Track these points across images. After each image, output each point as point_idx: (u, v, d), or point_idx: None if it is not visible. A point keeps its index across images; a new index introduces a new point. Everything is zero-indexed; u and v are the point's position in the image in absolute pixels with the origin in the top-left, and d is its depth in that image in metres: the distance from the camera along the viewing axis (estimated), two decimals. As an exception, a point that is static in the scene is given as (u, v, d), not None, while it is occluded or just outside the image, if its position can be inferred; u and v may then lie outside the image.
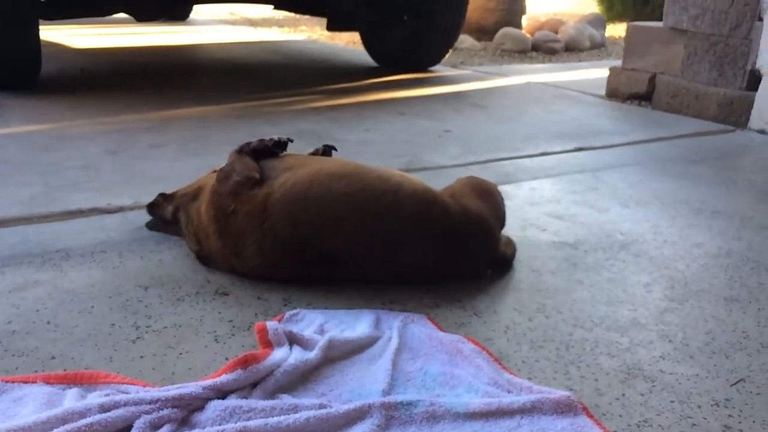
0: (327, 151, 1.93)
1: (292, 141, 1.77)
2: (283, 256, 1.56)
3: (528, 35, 6.71)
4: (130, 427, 1.07)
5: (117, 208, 2.08)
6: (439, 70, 4.98)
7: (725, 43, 3.53)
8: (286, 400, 1.16)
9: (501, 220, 1.80)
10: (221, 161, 1.72)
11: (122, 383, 1.19)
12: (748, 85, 3.46)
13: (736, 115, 3.49)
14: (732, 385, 1.29)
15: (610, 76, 4.24)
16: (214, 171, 1.72)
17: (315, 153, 1.91)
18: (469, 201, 1.67)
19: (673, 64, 3.84)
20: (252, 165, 1.64)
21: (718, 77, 3.59)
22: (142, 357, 1.32)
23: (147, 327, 1.42)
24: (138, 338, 1.38)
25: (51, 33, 5.92)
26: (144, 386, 1.19)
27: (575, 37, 6.74)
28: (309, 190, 1.55)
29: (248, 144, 1.71)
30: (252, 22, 8.51)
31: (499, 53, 6.39)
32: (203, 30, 7.27)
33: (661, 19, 3.95)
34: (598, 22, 7.44)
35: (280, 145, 1.73)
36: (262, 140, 1.72)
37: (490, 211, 1.71)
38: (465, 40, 6.49)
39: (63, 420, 1.06)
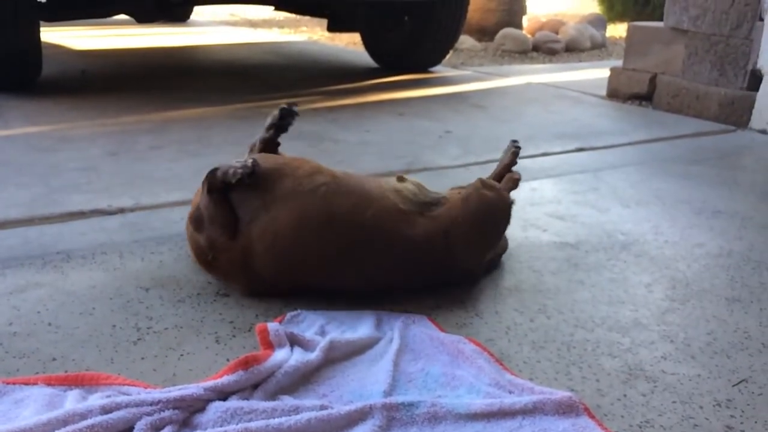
0: (284, 119, 1.66)
1: (255, 168, 1.48)
2: (274, 289, 1.54)
3: (528, 36, 6.71)
4: (132, 428, 1.07)
5: (118, 209, 2.08)
6: (440, 70, 4.98)
7: (726, 43, 3.53)
8: (288, 401, 1.15)
9: (497, 253, 1.75)
10: (221, 162, 1.71)
11: (123, 384, 1.19)
12: (749, 85, 3.46)
13: (737, 115, 3.49)
14: (734, 386, 1.29)
15: (610, 76, 4.24)
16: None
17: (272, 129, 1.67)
18: (462, 244, 1.55)
19: (673, 64, 3.84)
20: (222, 212, 1.47)
21: (719, 77, 3.59)
22: (143, 358, 1.31)
23: (148, 328, 1.42)
24: (139, 339, 1.38)
25: (52, 34, 5.93)
26: (145, 387, 1.19)
27: (576, 37, 6.74)
28: (295, 246, 1.46)
29: (214, 175, 1.47)
30: (252, 23, 8.51)
31: (499, 54, 6.39)
32: (204, 31, 7.27)
33: (661, 19, 3.95)
34: (599, 23, 7.44)
35: (252, 175, 1.46)
36: (230, 168, 1.46)
37: (485, 250, 1.64)
38: (465, 40, 6.49)
39: (64, 422, 1.06)
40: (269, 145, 1.68)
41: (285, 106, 1.65)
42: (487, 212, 1.60)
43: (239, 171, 1.45)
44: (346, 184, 1.52)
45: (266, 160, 1.54)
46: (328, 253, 1.47)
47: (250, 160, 1.46)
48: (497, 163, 1.89)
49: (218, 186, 1.47)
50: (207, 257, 1.52)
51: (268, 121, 1.67)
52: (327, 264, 1.49)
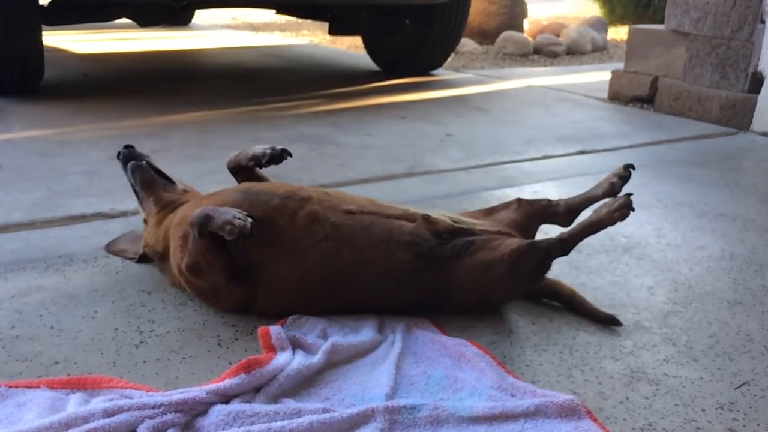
0: (271, 160, 1.59)
1: (254, 231, 1.36)
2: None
3: (530, 39, 6.71)
4: (134, 431, 1.07)
5: (120, 212, 2.09)
6: (441, 73, 4.98)
7: (727, 46, 3.53)
8: (290, 404, 1.15)
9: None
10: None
11: (126, 388, 1.19)
12: (751, 87, 3.46)
13: (739, 117, 3.49)
14: (736, 388, 1.28)
15: (612, 79, 4.24)
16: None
17: (261, 158, 1.59)
18: (489, 294, 1.48)
19: (675, 67, 3.84)
20: (219, 259, 1.40)
21: (720, 80, 3.59)
22: (145, 361, 1.32)
23: (150, 331, 1.42)
24: (141, 343, 1.38)
25: (54, 38, 5.94)
26: (147, 391, 1.19)
27: (577, 40, 6.75)
28: (298, 296, 1.44)
29: (206, 223, 1.36)
30: (254, 27, 8.53)
31: (500, 57, 6.40)
32: (205, 35, 7.28)
33: (662, 22, 3.95)
34: (600, 25, 7.45)
35: (243, 233, 1.34)
36: (226, 224, 1.34)
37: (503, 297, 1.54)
38: (466, 43, 6.50)
39: (66, 425, 1.06)
40: (245, 172, 1.64)
41: (278, 150, 1.58)
42: (522, 265, 1.44)
43: (236, 230, 1.33)
44: (350, 234, 1.43)
45: (257, 206, 1.43)
46: (330, 298, 1.46)
47: (249, 222, 1.34)
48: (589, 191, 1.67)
49: (209, 235, 1.37)
50: (209, 300, 1.50)
51: (256, 152, 1.59)
52: (328, 302, 1.47)
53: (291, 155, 1.60)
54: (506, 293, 1.51)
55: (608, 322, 1.49)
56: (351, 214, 1.46)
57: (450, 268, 1.44)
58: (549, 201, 1.62)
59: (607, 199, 1.53)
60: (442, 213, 1.54)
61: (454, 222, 1.50)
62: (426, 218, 1.48)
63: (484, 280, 1.44)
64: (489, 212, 1.65)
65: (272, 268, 1.42)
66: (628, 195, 1.46)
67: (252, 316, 1.47)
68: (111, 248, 1.79)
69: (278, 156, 1.59)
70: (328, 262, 1.41)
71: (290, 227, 1.42)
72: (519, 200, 1.63)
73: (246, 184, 1.57)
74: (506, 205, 1.64)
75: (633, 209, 1.45)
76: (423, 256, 1.43)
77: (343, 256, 1.42)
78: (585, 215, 1.51)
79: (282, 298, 1.45)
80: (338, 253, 1.41)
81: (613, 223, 1.45)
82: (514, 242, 1.45)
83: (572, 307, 1.55)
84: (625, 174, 1.60)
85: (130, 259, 1.73)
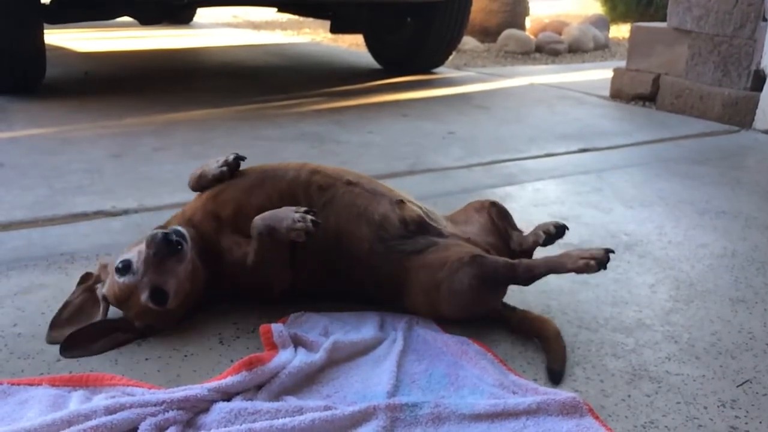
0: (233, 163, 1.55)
1: (316, 220, 1.40)
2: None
3: (531, 37, 6.70)
4: (136, 429, 1.07)
5: (121, 211, 2.09)
6: (443, 72, 4.98)
7: (729, 44, 3.52)
8: (291, 402, 1.16)
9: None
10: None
11: (127, 385, 1.19)
12: (753, 85, 3.45)
13: (741, 115, 3.48)
14: (738, 386, 1.28)
15: (613, 77, 4.24)
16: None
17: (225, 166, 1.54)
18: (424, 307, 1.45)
19: (677, 65, 3.83)
20: (281, 256, 1.45)
21: (722, 77, 3.58)
22: (147, 359, 1.32)
23: (152, 329, 1.42)
24: (143, 340, 1.38)
25: (55, 37, 5.94)
26: (149, 388, 1.19)
27: (579, 38, 6.74)
28: (312, 277, 1.51)
29: (272, 231, 1.39)
30: (255, 25, 8.53)
31: (502, 55, 6.39)
32: (206, 33, 7.28)
33: (664, 20, 3.94)
34: (602, 23, 7.44)
35: (309, 232, 1.38)
36: (293, 225, 1.37)
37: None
38: (468, 41, 6.49)
39: (68, 422, 1.06)
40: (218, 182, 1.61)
41: (233, 160, 1.54)
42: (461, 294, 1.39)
43: (302, 233, 1.37)
44: (340, 203, 1.48)
45: (275, 181, 1.51)
46: (325, 270, 1.49)
47: (310, 219, 1.38)
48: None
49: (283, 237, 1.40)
50: (264, 288, 1.49)
51: (215, 173, 1.54)
52: (325, 274, 1.50)
53: (245, 158, 1.56)
54: (449, 305, 1.42)
55: (553, 379, 1.30)
56: (349, 185, 1.51)
57: (408, 265, 1.43)
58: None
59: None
60: (421, 205, 1.55)
61: (428, 217, 1.51)
62: (399, 202, 1.50)
63: (431, 284, 1.41)
64: (466, 213, 1.63)
65: (306, 259, 1.47)
66: (608, 251, 1.36)
67: (254, 314, 1.47)
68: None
69: (235, 165, 1.55)
70: (322, 228, 1.42)
71: (306, 197, 1.49)
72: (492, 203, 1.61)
73: (259, 166, 1.59)
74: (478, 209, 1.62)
75: (605, 268, 1.35)
76: (384, 241, 1.45)
77: (330, 223, 1.46)
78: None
79: (307, 270, 1.48)
80: (327, 220, 1.45)
81: (577, 270, 1.36)
82: (463, 251, 1.42)
83: (546, 348, 1.38)
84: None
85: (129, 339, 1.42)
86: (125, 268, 1.34)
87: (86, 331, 1.35)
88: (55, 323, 1.39)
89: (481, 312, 1.46)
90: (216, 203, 1.50)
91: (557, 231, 1.51)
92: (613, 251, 1.38)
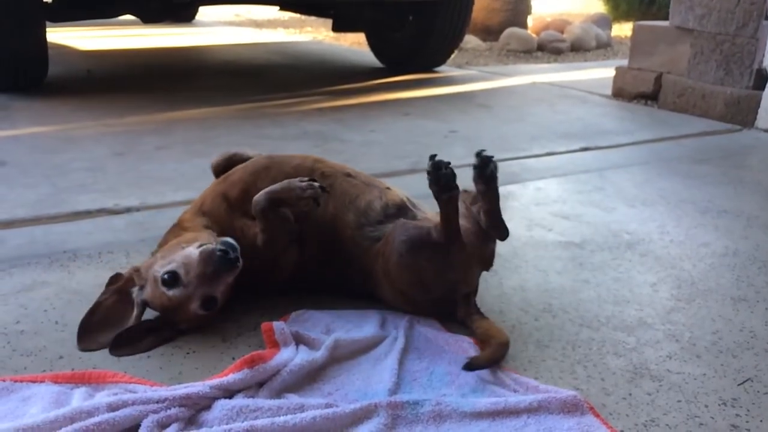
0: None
1: (322, 186, 1.46)
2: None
3: (533, 35, 6.70)
4: (138, 426, 1.07)
5: (124, 208, 2.09)
6: (445, 70, 4.98)
7: (732, 42, 3.52)
8: (293, 399, 1.16)
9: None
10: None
11: (130, 382, 1.20)
12: (755, 84, 3.45)
13: (743, 114, 3.48)
14: (739, 385, 1.29)
15: (616, 75, 4.24)
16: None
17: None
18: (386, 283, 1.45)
19: (679, 64, 3.83)
20: (287, 229, 1.47)
21: (724, 76, 3.58)
22: (149, 357, 1.32)
23: (154, 327, 1.42)
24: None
25: (57, 35, 5.94)
26: (151, 385, 1.19)
27: (581, 36, 6.73)
28: (312, 261, 1.55)
29: (275, 203, 1.43)
30: (257, 24, 8.53)
31: (504, 53, 6.39)
32: (208, 31, 7.29)
33: (667, 19, 3.94)
34: (604, 22, 7.43)
35: (317, 198, 1.43)
36: (299, 198, 1.43)
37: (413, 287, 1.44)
38: (470, 40, 6.49)
39: (71, 419, 1.06)
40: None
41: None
42: (405, 252, 1.39)
43: (311, 201, 1.43)
44: (338, 191, 1.52)
45: (281, 166, 1.57)
46: (331, 266, 1.53)
47: (317, 185, 1.44)
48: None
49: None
50: (270, 268, 1.50)
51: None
52: (327, 269, 1.54)
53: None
54: (401, 281, 1.41)
55: (466, 367, 1.28)
56: (348, 177, 1.57)
57: (372, 252, 1.45)
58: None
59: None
60: (408, 196, 1.57)
61: (410, 203, 1.54)
62: (385, 189, 1.56)
63: (384, 266, 1.42)
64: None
65: (302, 225, 1.50)
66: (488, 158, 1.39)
67: (255, 312, 1.48)
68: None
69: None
70: (321, 213, 1.48)
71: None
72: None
73: (265, 154, 1.64)
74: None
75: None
76: (361, 227, 1.48)
77: (329, 208, 1.50)
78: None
79: (309, 253, 1.51)
80: (326, 205, 1.50)
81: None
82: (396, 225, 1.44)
83: (486, 347, 1.34)
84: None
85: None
86: (173, 280, 1.32)
87: (134, 330, 1.35)
88: (86, 326, 1.36)
89: (437, 287, 1.41)
90: (225, 183, 1.56)
91: (480, 161, 1.40)
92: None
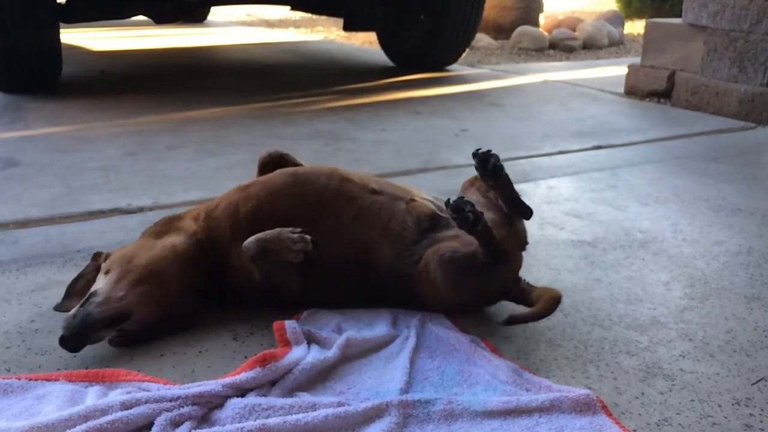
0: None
1: (313, 239, 1.41)
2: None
3: (545, 33, 6.68)
4: (151, 424, 1.08)
5: (137, 208, 2.10)
6: (456, 69, 4.97)
7: (745, 39, 3.49)
8: (305, 398, 1.16)
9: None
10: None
11: (143, 381, 1.21)
12: (769, 81, 3.42)
13: (757, 111, 3.45)
14: (753, 384, 1.28)
15: (628, 73, 4.21)
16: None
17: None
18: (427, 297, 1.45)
19: (692, 61, 3.80)
20: (286, 269, 1.43)
21: (738, 74, 3.55)
22: (162, 355, 1.33)
23: (167, 326, 1.43)
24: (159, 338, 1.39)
25: (71, 36, 5.99)
26: (164, 384, 1.20)
27: (593, 34, 6.70)
28: (332, 285, 1.51)
29: (265, 254, 1.39)
30: (269, 23, 8.55)
31: (516, 52, 6.37)
32: (220, 31, 7.31)
33: (680, 16, 3.91)
34: (617, 20, 7.39)
35: (307, 251, 1.39)
36: (288, 251, 1.39)
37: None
38: (482, 38, 6.48)
39: (85, 417, 1.07)
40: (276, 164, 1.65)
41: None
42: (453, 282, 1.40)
43: (300, 254, 1.39)
44: (368, 216, 1.48)
45: (305, 188, 1.51)
46: (351, 278, 1.50)
47: (309, 239, 1.39)
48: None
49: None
50: (273, 293, 1.49)
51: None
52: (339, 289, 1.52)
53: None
54: (455, 295, 1.42)
55: (507, 322, 1.38)
56: (374, 194, 1.50)
57: (413, 272, 1.43)
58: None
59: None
60: (432, 199, 1.55)
61: (438, 209, 1.51)
62: (410, 201, 1.50)
63: (431, 284, 1.41)
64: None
65: (317, 248, 1.44)
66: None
67: (268, 311, 1.48)
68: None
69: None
70: (348, 243, 1.45)
71: (335, 209, 1.48)
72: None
73: (291, 168, 1.58)
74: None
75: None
76: (399, 254, 1.44)
77: (360, 238, 1.46)
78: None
79: (325, 277, 1.47)
80: (357, 236, 1.46)
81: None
82: (439, 249, 1.41)
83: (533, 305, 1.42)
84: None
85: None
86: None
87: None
88: (69, 291, 1.46)
89: (494, 291, 1.46)
90: (243, 194, 1.51)
91: (478, 161, 1.44)
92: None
